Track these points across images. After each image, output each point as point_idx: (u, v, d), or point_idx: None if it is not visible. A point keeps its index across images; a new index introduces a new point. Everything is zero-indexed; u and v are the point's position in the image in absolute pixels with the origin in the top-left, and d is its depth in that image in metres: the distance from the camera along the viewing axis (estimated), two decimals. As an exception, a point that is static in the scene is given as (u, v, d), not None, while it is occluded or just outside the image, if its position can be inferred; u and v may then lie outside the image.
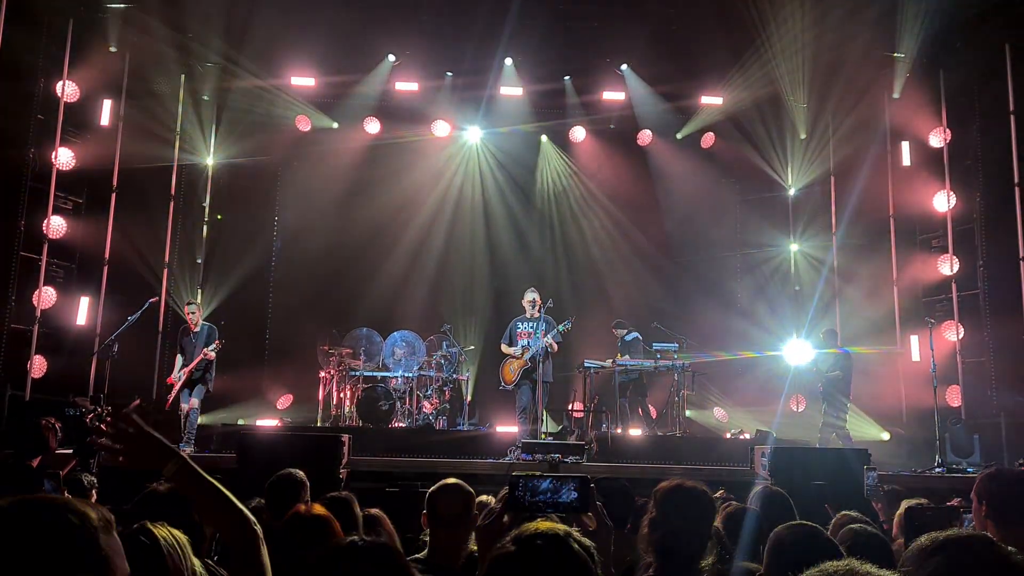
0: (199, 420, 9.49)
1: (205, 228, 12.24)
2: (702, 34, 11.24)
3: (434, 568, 2.93)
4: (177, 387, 9.37)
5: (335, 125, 12.73)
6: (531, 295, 9.58)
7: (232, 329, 10.75)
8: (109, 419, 1.90)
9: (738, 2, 10.68)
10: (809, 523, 2.58)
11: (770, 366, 12.49)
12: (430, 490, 3.21)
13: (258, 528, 1.90)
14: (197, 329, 9.57)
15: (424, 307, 12.29)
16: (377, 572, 1.49)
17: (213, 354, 9.36)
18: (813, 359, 10.48)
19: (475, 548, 2.79)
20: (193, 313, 9.64)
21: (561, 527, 1.61)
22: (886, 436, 10.32)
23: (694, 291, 12.90)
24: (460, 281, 12.81)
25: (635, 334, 10.93)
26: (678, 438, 9.90)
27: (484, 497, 4.36)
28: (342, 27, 11.20)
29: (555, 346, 9.33)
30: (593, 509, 2.10)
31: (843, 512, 3.55)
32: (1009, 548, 1.66)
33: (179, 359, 9.58)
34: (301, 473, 3.80)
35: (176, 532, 2.00)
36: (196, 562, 2.03)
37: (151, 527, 1.94)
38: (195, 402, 9.31)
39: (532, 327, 9.49)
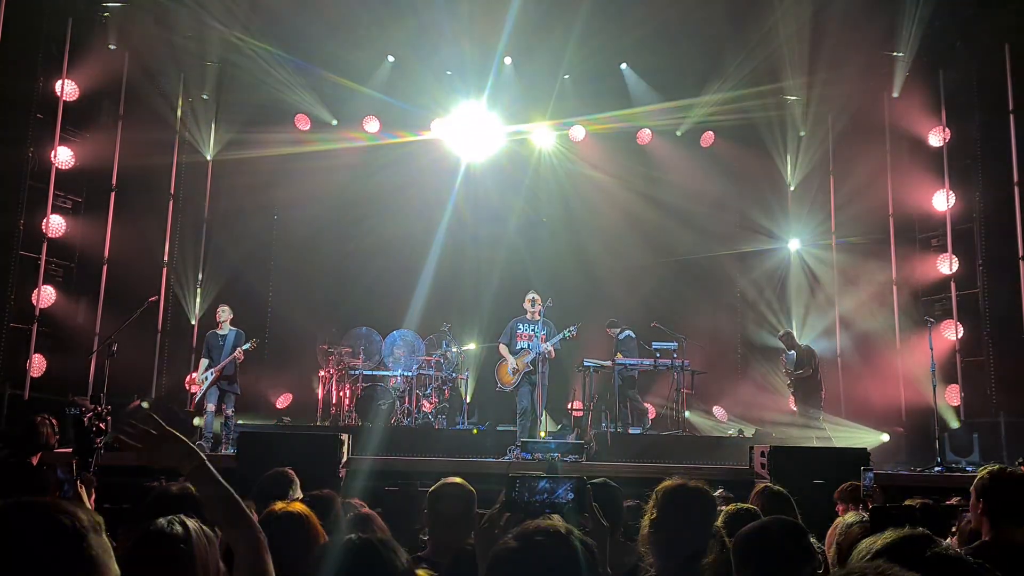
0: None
1: (204, 227, 12.23)
2: (702, 33, 11.24)
3: (435, 566, 2.93)
4: (203, 388, 9.48)
5: (334, 122, 12.73)
6: (531, 296, 9.59)
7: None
8: (131, 420, 1.95)
9: (738, 1, 10.69)
10: (783, 518, 2.55)
11: (771, 365, 12.50)
12: (431, 489, 3.21)
13: (263, 537, 1.92)
14: (224, 332, 9.70)
15: (423, 306, 12.28)
16: (375, 568, 1.49)
17: (242, 354, 9.50)
18: (783, 365, 10.77)
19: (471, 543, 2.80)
20: (223, 315, 9.78)
21: (562, 525, 1.62)
22: (885, 437, 10.32)
23: (693, 289, 12.90)
24: (459, 280, 12.80)
25: (628, 332, 10.95)
26: (678, 437, 9.91)
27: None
28: (342, 26, 11.19)
29: (553, 352, 9.34)
30: (589, 509, 2.10)
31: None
32: (944, 542, 1.71)
33: (204, 361, 9.69)
34: (290, 471, 3.82)
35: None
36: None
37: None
38: (230, 411, 9.49)
39: (532, 329, 9.49)
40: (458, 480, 3.25)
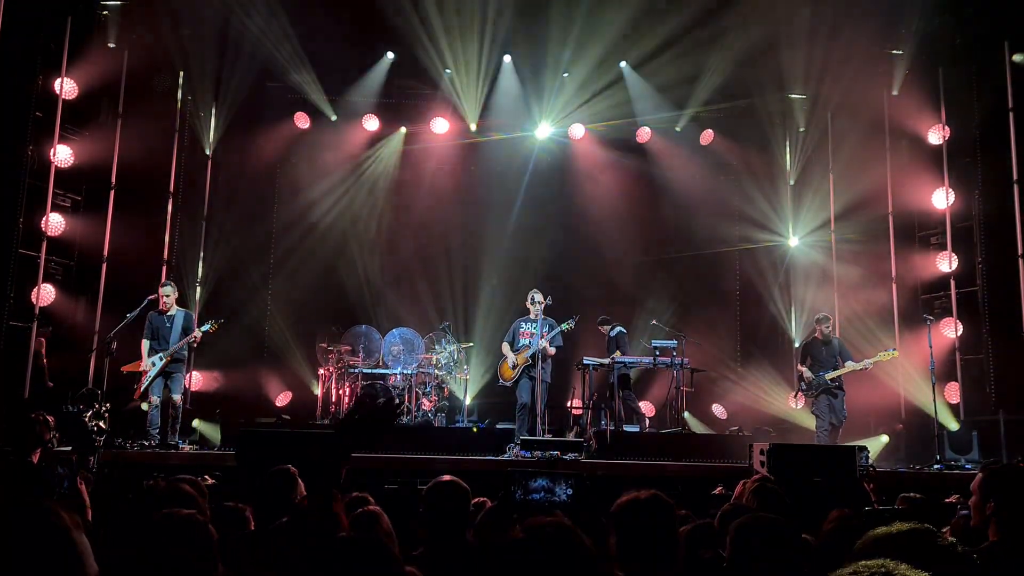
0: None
1: (204, 225, 12.23)
2: (701, 30, 11.24)
3: (431, 564, 2.93)
4: (151, 376, 8.87)
5: (334, 118, 12.72)
6: (533, 295, 9.61)
7: (231, 326, 10.74)
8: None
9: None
10: (770, 515, 2.57)
11: (771, 363, 12.51)
12: (426, 487, 3.22)
13: None
14: (171, 312, 9.07)
15: (423, 304, 12.30)
16: (364, 567, 1.50)
17: (200, 335, 8.89)
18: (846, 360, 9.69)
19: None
20: (168, 296, 9.11)
21: (569, 523, 1.64)
22: (885, 439, 10.30)
23: (693, 287, 12.91)
24: (459, 278, 12.82)
25: (619, 329, 10.94)
26: (677, 435, 9.91)
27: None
28: (342, 24, 11.19)
29: (551, 351, 9.34)
30: (587, 507, 2.11)
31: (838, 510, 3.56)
32: (945, 534, 1.75)
33: (146, 343, 8.95)
34: (293, 470, 3.83)
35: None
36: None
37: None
38: (177, 397, 8.90)
39: (533, 327, 9.51)
40: (452, 478, 3.27)
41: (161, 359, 8.90)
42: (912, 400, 10.35)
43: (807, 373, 9.66)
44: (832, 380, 9.47)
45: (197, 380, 11.60)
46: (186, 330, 8.98)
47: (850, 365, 9.46)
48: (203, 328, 9.04)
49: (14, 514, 1.29)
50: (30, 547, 1.26)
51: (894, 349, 9.38)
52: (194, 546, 1.91)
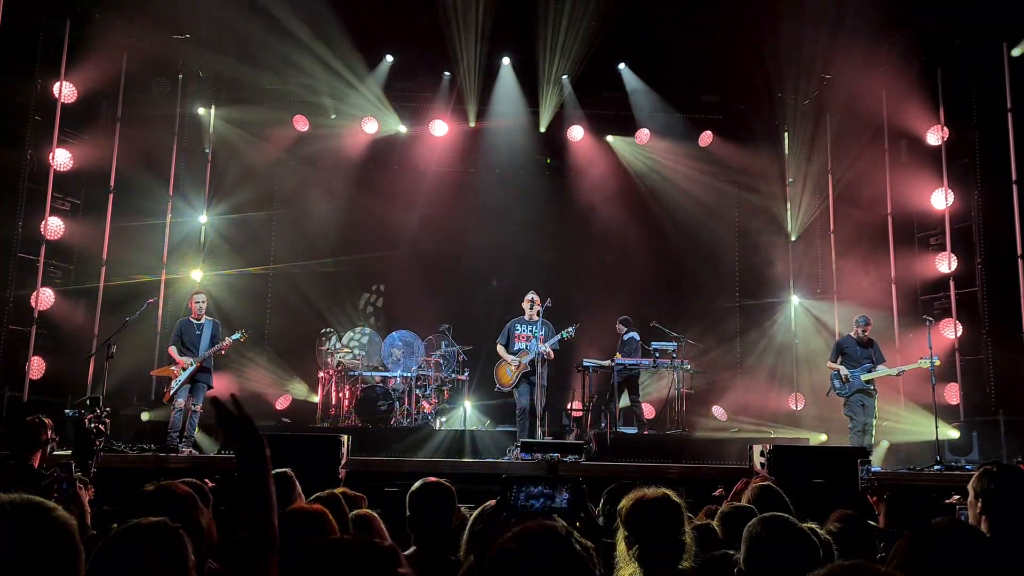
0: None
1: (203, 228, 12.22)
2: (701, 32, 11.25)
3: (421, 565, 2.95)
4: (180, 380, 8.87)
5: (333, 115, 12.72)
6: (530, 297, 9.58)
7: (230, 329, 10.72)
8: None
9: (737, 1, 10.69)
10: (783, 515, 2.58)
11: (771, 364, 12.50)
12: (411, 489, 3.25)
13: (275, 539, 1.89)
14: (202, 321, 9.16)
15: (423, 307, 12.29)
16: (367, 569, 1.49)
17: (231, 343, 9.12)
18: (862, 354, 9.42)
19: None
20: (200, 304, 9.19)
21: (561, 525, 1.63)
22: (886, 444, 10.27)
23: (692, 288, 12.90)
24: (459, 280, 12.82)
25: (633, 334, 10.94)
26: (677, 436, 9.91)
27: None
28: (341, 26, 11.19)
29: (552, 354, 9.31)
30: (585, 512, 2.10)
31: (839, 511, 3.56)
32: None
33: (174, 349, 9.00)
34: (290, 473, 3.84)
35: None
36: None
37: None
38: (199, 407, 8.91)
39: (530, 330, 9.47)
40: (436, 479, 3.30)
41: (192, 364, 8.92)
42: (911, 400, 10.33)
43: (844, 371, 9.30)
44: (867, 382, 9.24)
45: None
46: (214, 339, 9.08)
47: (883, 369, 9.27)
48: (234, 337, 9.15)
49: (24, 510, 1.29)
50: (41, 541, 1.27)
51: (927, 359, 8.99)
52: (161, 554, 1.88)
